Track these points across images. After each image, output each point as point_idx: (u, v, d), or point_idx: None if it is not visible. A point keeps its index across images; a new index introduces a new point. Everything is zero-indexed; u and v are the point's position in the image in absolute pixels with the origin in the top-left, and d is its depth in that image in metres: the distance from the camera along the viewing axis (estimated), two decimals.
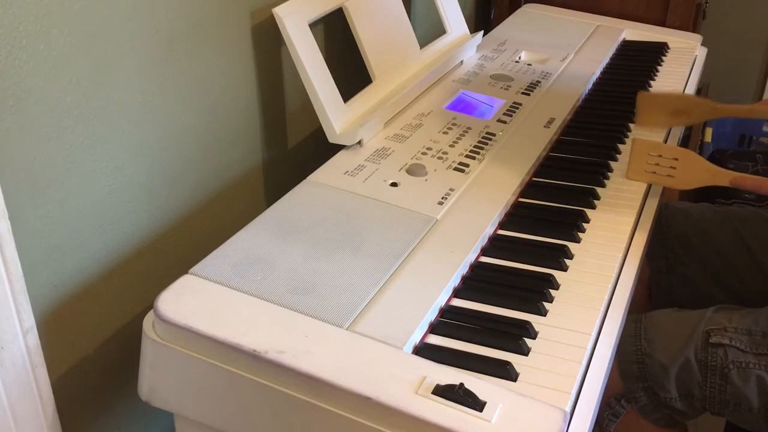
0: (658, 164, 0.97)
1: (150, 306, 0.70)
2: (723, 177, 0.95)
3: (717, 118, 2.10)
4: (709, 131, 2.09)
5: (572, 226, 0.89)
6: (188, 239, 0.96)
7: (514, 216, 0.92)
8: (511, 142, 1.05)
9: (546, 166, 1.03)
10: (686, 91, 1.33)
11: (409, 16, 1.24)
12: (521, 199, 0.96)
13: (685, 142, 1.79)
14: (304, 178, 0.92)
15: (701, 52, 1.50)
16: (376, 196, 0.89)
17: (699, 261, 1.14)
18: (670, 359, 0.89)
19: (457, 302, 0.77)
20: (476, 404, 0.60)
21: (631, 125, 1.16)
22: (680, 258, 1.15)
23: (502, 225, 0.90)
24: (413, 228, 0.84)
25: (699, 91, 1.66)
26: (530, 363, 0.69)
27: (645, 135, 1.13)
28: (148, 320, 0.71)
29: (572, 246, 0.86)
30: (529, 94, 1.20)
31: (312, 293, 0.72)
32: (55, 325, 0.79)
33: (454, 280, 0.78)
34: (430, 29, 1.42)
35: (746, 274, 1.10)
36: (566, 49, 1.39)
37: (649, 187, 1.00)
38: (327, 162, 0.96)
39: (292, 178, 0.93)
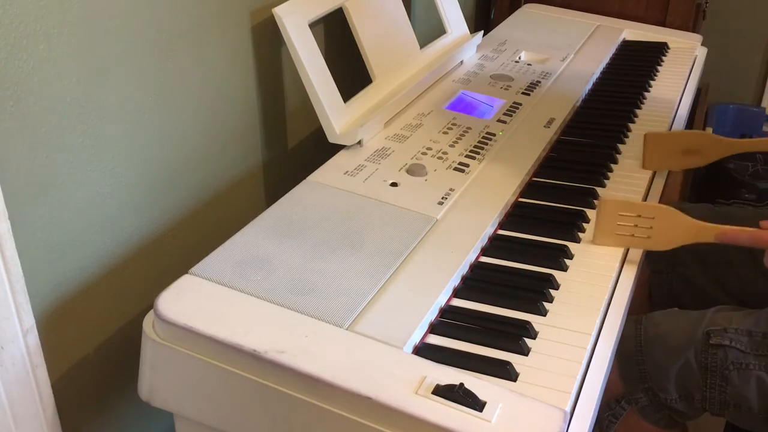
0: (635, 225, 0.85)
1: (150, 306, 0.70)
2: (707, 233, 0.84)
3: (719, 115, 2.10)
4: (709, 131, 2.09)
5: (572, 226, 0.89)
6: (188, 239, 0.96)
7: (514, 216, 0.92)
8: (511, 142, 1.05)
9: (546, 166, 1.03)
10: (686, 92, 1.33)
11: (409, 16, 1.24)
12: (521, 199, 0.96)
13: None
14: (304, 178, 0.92)
15: (701, 52, 1.50)
16: (376, 196, 0.89)
17: (699, 261, 1.14)
18: (670, 360, 0.89)
19: (457, 302, 0.77)
20: (476, 404, 0.60)
21: (632, 125, 1.16)
22: (680, 258, 1.15)
23: (502, 225, 0.90)
24: (413, 228, 0.84)
25: (699, 91, 1.66)
26: (530, 363, 0.69)
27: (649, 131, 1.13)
28: (148, 320, 0.71)
29: (572, 246, 0.86)
30: (529, 94, 1.20)
31: (312, 293, 0.72)
32: (55, 325, 0.79)
33: (454, 280, 0.78)
34: (430, 29, 1.42)
35: (746, 274, 1.10)
36: (566, 49, 1.39)
37: (649, 187, 1.00)
38: (327, 162, 0.96)
39: (292, 178, 0.93)
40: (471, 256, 0.82)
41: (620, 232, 0.86)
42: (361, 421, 0.62)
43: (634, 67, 1.38)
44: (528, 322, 0.74)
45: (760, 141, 1.11)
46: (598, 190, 0.97)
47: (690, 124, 1.69)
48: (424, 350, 0.70)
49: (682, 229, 0.85)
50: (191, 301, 0.70)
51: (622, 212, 0.85)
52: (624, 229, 0.85)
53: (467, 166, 0.97)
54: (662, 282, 1.18)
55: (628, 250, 0.87)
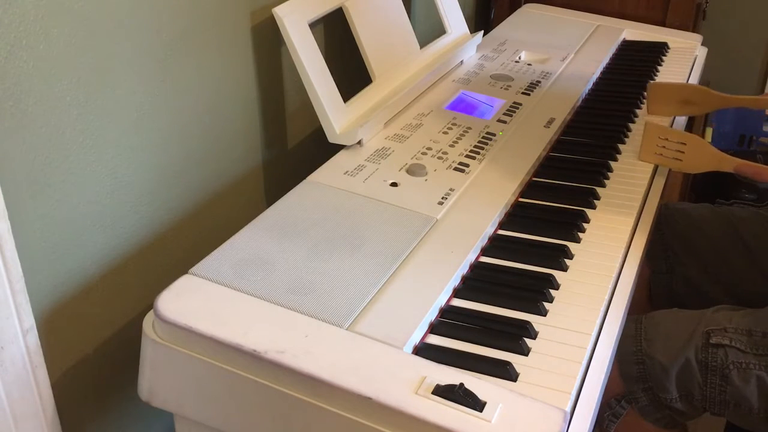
0: (666, 147, 1.01)
1: (150, 306, 0.70)
2: (728, 163, 0.97)
3: (719, 115, 2.11)
4: (709, 131, 2.09)
5: (572, 226, 0.89)
6: (188, 239, 0.96)
7: (514, 216, 0.92)
8: (511, 142, 1.05)
9: (546, 166, 1.03)
10: None
11: (409, 16, 1.24)
12: (521, 199, 0.96)
13: None
14: (304, 178, 0.92)
15: (701, 52, 1.50)
16: (376, 196, 0.89)
17: (699, 261, 1.14)
18: (670, 360, 0.89)
19: (457, 302, 0.77)
20: (476, 404, 0.60)
21: (632, 125, 1.16)
22: (680, 258, 1.15)
23: (502, 225, 0.90)
24: (413, 228, 0.84)
25: None
26: (530, 363, 0.69)
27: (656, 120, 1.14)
28: (148, 320, 0.71)
29: (572, 246, 0.86)
30: (529, 94, 1.20)
31: (312, 293, 0.72)
32: (55, 325, 0.79)
33: (454, 280, 0.78)
34: (430, 29, 1.42)
35: (746, 274, 1.10)
36: (566, 49, 1.39)
37: (649, 187, 1.00)
38: (327, 162, 0.96)
39: (292, 178, 0.93)
40: (471, 256, 0.82)
41: (658, 152, 1.02)
42: (361, 421, 0.62)
43: (634, 67, 1.38)
44: (528, 322, 0.74)
45: (746, 98, 1.18)
46: (598, 190, 0.97)
47: (690, 124, 1.70)
48: (424, 350, 0.70)
49: (708, 156, 0.99)
50: (191, 301, 0.70)
51: (661, 135, 1.01)
52: (662, 150, 1.02)
53: (467, 166, 0.97)
54: (662, 282, 1.18)
55: (628, 249, 0.87)
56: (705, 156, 0.99)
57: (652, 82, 1.21)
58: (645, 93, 1.28)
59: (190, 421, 0.74)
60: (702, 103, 1.17)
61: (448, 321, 0.74)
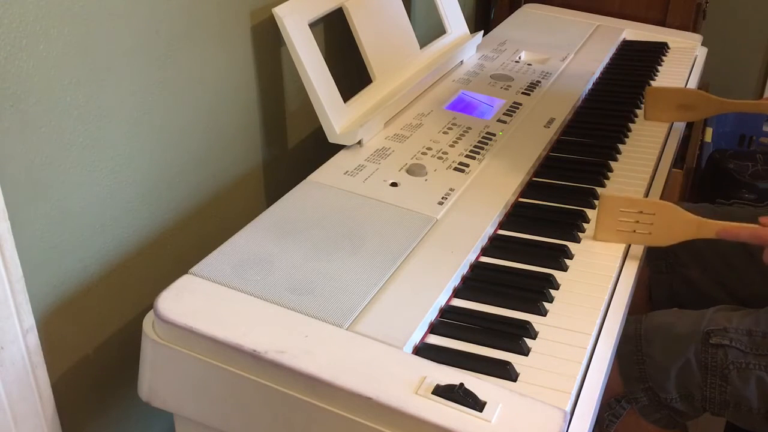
0: (636, 221, 0.85)
1: (150, 306, 0.70)
2: (708, 229, 0.85)
3: (719, 116, 2.11)
4: (709, 131, 2.09)
5: (572, 226, 0.89)
6: (188, 239, 0.96)
7: (514, 216, 0.92)
8: (511, 142, 1.05)
9: (546, 166, 1.03)
10: None
11: (409, 16, 1.24)
12: (521, 199, 0.96)
13: (685, 143, 1.80)
14: (304, 178, 0.92)
15: (701, 52, 1.50)
16: (376, 196, 0.89)
17: (699, 262, 1.14)
18: (670, 360, 0.90)
19: (457, 302, 0.77)
20: (476, 404, 0.60)
21: (632, 125, 1.17)
22: (680, 259, 1.15)
23: (502, 225, 0.90)
24: (413, 228, 0.84)
25: None
26: (530, 363, 0.69)
27: (648, 131, 1.13)
28: (148, 320, 0.71)
29: (572, 246, 0.86)
30: (529, 94, 1.20)
31: (312, 293, 0.72)
32: (55, 325, 0.79)
33: (454, 280, 0.78)
34: (430, 29, 1.42)
35: (746, 274, 1.10)
36: (566, 49, 1.39)
37: (649, 187, 1.00)
38: (327, 162, 0.96)
39: (292, 178, 0.93)
40: (471, 256, 0.82)
41: (621, 228, 0.86)
42: (361, 421, 0.62)
43: (634, 67, 1.38)
44: (528, 322, 0.74)
45: (747, 103, 1.16)
46: (598, 190, 0.97)
47: (689, 124, 1.70)
48: (424, 350, 0.70)
49: (683, 224, 0.85)
50: (191, 301, 0.70)
51: (623, 208, 0.85)
52: (625, 225, 0.86)
53: (467, 166, 0.97)
54: (662, 282, 1.18)
55: (628, 248, 0.87)
56: (679, 224, 0.85)
57: (649, 87, 1.20)
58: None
59: (190, 421, 0.74)
60: (700, 108, 1.15)
61: (448, 321, 0.74)
